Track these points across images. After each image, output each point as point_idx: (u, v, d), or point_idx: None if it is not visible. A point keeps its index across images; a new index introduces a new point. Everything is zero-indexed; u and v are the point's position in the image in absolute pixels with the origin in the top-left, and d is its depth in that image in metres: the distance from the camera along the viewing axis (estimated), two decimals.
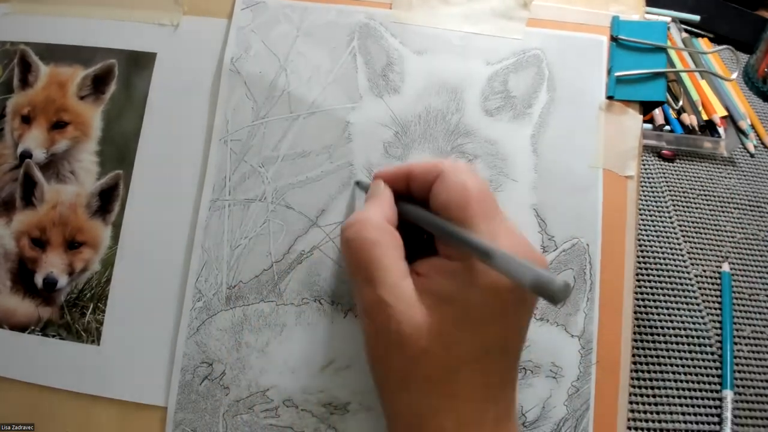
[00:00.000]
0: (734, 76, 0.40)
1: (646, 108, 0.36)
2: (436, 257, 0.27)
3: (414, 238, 0.29)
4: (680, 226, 0.53)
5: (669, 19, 0.69)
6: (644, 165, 0.57)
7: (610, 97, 0.35)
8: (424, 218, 0.28)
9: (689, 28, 0.70)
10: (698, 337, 0.46)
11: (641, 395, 0.43)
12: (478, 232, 0.25)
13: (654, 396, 0.43)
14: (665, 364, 0.45)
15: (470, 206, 0.26)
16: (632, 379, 0.44)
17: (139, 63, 0.36)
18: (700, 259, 0.51)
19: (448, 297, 0.25)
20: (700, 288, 0.49)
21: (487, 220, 0.26)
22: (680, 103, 0.60)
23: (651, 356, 0.45)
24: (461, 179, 0.27)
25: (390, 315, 0.25)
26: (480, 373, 0.25)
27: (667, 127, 0.60)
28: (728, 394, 0.43)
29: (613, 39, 0.36)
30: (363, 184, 0.33)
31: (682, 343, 0.46)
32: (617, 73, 0.35)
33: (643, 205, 0.54)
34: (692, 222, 0.54)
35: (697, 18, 0.70)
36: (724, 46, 0.37)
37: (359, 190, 0.34)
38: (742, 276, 0.51)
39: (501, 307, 0.25)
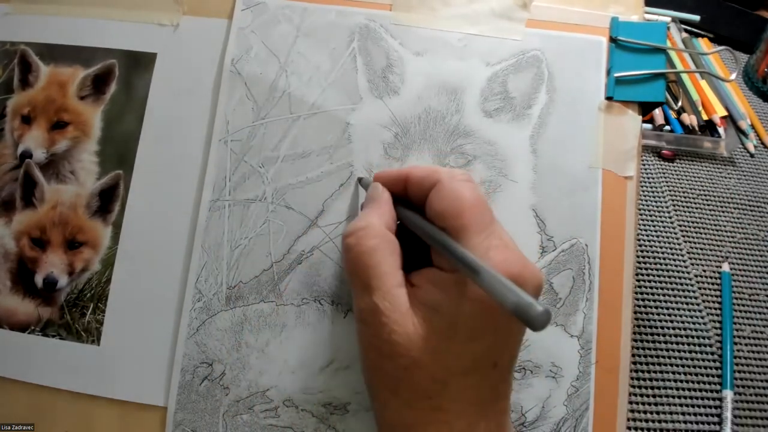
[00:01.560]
0: (733, 77, 0.40)
1: (646, 108, 0.36)
2: (430, 267, 0.27)
3: (412, 244, 0.29)
4: (680, 226, 0.53)
5: (669, 19, 0.68)
6: (644, 165, 0.57)
7: (609, 98, 0.35)
8: (419, 226, 0.28)
9: (689, 28, 0.70)
10: (698, 337, 0.46)
11: (641, 395, 0.43)
12: (470, 245, 0.25)
13: (654, 396, 0.43)
14: (665, 364, 0.45)
15: (464, 217, 0.26)
16: (632, 379, 0.44)
17: (140, 63, 0.37)
18: (700, 259, 0.51)
19: (439, 308, 0.25)
20: (700, 288, 0.49)
21: (481, 232, 0.26)
22: (679, 103, 0.60)
23: (651, 356, 0.45)
24: (457, 188, 0.27)
25: (383, 323, 0.25)
26: (470, 386, 0.25)
27: (667, 127, 0.60)
28: (728, 394, 0.43)
29: (613, 40, 0.36)
30: (365, 181, 0.33)
31: (682, 343, 0.46)
32: (616, 74, 0.35)
33: (643, 205, 0.54)
34: (692, 222, 0.54)
35: (697, 18, 0.70)
36: (723, 47, 0.37)
37: (361, 187, 0.34)
38: (742, 276, 0.51)
39: (491, 320, 0.25)
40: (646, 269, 0.50)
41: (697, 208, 0.55)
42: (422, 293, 0.26)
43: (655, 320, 0.47)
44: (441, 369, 0.25)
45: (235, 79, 0.35)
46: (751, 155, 0.60)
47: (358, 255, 0.27)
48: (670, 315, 0.47)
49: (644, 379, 0.44)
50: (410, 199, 0.30)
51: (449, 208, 0.27)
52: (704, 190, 0.56)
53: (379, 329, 0.25)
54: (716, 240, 0.53)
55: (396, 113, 0.35)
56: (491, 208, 0.28)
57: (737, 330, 0.47)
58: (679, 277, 0.49)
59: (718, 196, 0.56)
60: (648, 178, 0.56)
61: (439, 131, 0.34)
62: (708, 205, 0.55)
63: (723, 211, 0.55)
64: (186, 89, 0.36)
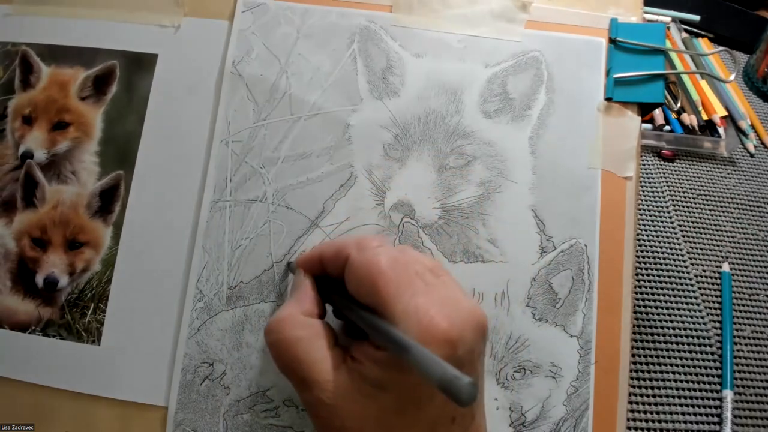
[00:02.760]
0: (732, 77, 0.40)
1: (645, 109, 0.36)
2: (367, 343, 0.26)
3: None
4: (680, 226, 0.53)
5: (669, 19, 0.68)
6: (644, 165, 0.57)
7: (608, 99, 0.35)
8: (346, 308, 0.27)
9: (689, 28, 0.70)
10: (698, 337, 0.46)
11: (641, 395, 0.43)
12: (395, 314, 0.24)
13: (654, 396, 0.43)
14: (665, 364, 0.45)
15: (378, 289, 0.25)
16: (632, 379, 0.44)
17: (141, 64, 0.37)
18: (700, 259, 0.51)
19: (383, 386, 0.24)
20: (700, 288, 0.49)
21: (402, 296, 0.24)
22: (679, 103, 0.60)
23: (651, 356, 0.45)
24: (365, 260, 0.26)
25: (332, 413, 0.24)
26: None
27: (667, 127, 0.60)
28: (728, 394, 0.43)
29: (612, 41, 0.36)
30: (292, 266, 0.32)
31: (682, 343, 0.46)
32: (616, 75, 0.35)
33: (643, 205, 0.54)
34: (692, 222, 0.54)
35: (697, 18, 0.70)
36: (721, 48, 0.37)
37: (290, 271, 0.33)
38: (742, 276, 0.51)
39: None
40: (646, 269, 0.50)
41: (697, 208, 0.55)
42: (365, 370, 0.25)
43: (655, 320, 0.47)
44: None
45: (236, 80, 0.36)
46: (751, 155, 0.60)
47: (283, 351, 0.26)
48: (670, 315, 0.47)
49: (644, 379, 0.44)
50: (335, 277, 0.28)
51: (363, 283, 0.25)
52: (704, 190, 0.56)
53: (329, 420, 0.25)
54: (716, 240, 0.53)
55: (396, 114, 0.35)
56: (412, 263, 0.26)
57: (737, 330, 0.47)
58: (679, 277, 0.49)
59: (718, 196, 0.56)
60: (648, 178, 0.56)
61: (438, 132, 0.35)
62: (708, 205, 0.55)
63: (723, 211, 0.55)
64: (187, 90, 0.36)
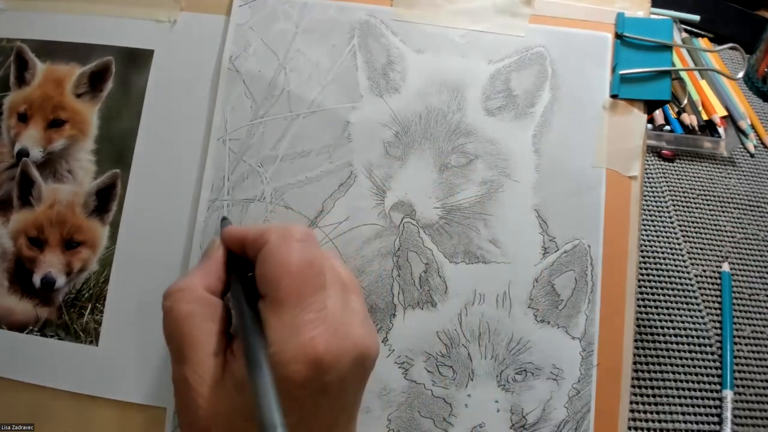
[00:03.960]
0: (740, 75, 0.40)
1: (650, 107, 0.35)
2: None
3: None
4: (680, 226, 0.53)
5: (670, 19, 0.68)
6: (644, 165, 0.57)
7: (614, 96, 0.35)
8: (236, 297, 0.26)
9: (689, 28, 0.70)
10: (698, 337, 0.46)
11: (642, 395, 0.43)
12: (282, 319, 0.24)
13: (654, 396, 0.43)
14: (665, 365, 0.45)
15: (281, 287, 0.24)
16: (632, 379, 0.44)
17: (137, 60, 0.36)
18: (700, 259, 0.51)
19: (242, 385, 0.24)
20: (700, 288, 0.49)
21: (297, 305, 0.24)
22: (685, 101, 0.60)
23: (651, 356, 0.45)
24: (280, 252, 0.25)
25: (190, 395, 0.24)
26: None
27: (667, 127, 0.60)
28: (728, 394, 0.43)
29: (618, 36, 0.36)
30: (224, 223, 0.32)
31: (682, 344, 0.46)
32: (622, 72, 0.35)
33: (643, 205, 0.54)
34: (692, 222, 0.54)
35: (697, 18, 0.70)
36: (730, 45, 0.37)
37: (220, 228, 0.32)
38: (742, 276, 0.51)
39: (294, 399, 0.23)
40: (646, 269, 0.49)
41: (697, 208, 0.55)
42: (236, 367, 0.24)
43: (655, 320, 0.47)
44: None
45: (234, 76, 0.35)
46: (751, 155, 0.60)
47: (171, 321, 0.26)
48: (670, 315, 0.47)
49: (644, 380, 0.44)
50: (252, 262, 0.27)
51: (270, 273, 0.25)
52: (704, 190, 0.56)
53: (187, 401, 0.24)
54: (716, 240, 0.53)
55: (397, 111, 0.34)
56: (327, 271, 0.26)
57: (737, 330, 0.47)
58: (679, 277, 0.49)
59: (718, 196, 0.56)
60: (648, 178, 0.56)
61: (440, 130, 0.34)
62: (708, 205, 0.55)
63: (723, 211, 0.55)
64: (183, 87, 0.36)
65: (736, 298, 0.49)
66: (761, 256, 0.52)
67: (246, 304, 0.25)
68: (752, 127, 0.62)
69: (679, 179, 0.57)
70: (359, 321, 0.26)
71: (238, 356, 0.24)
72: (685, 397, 0.44)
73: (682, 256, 0.51)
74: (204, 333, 0.25)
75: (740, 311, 0.49)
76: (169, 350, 0.26)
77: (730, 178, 0.58)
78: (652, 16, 0.36)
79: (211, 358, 0.25)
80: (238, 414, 0.24)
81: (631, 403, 0.42)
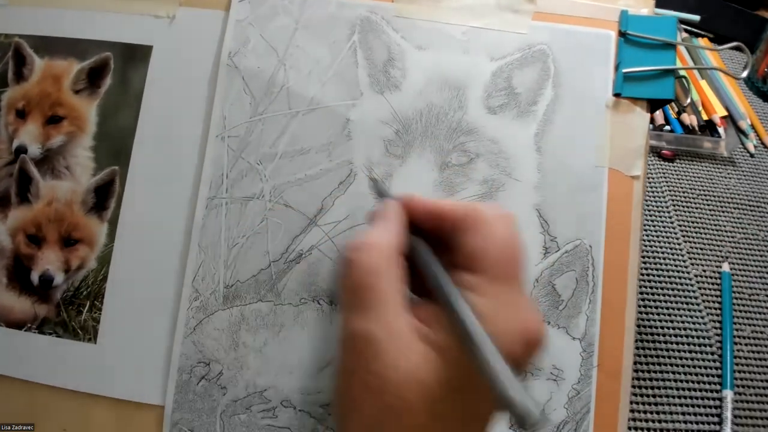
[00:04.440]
0: (744, 74, 0.40)
1: (653, 106, 0.35)
2: (439, 305, 0.24)
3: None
4: (680, 226, 0.53)
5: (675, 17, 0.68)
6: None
7: (617, 95, 0.35)
8: (429, 266, 0.25)
9: (689, 28, 0.70)
10: (698, 337, 0.46)
11: (641, 395, 0.43)
12: (486, 293, 0.23)
13: (654, 396, 0.43)
14: (665, 365, 0.45)
15: (501, 262, 0.24)
16: (632, 379, 0.43)
17: (135, 56, 0.36)
18: (700, 259, 0.51)
19: (446, 352, 0.22)
20: (700, 288, 0.49)
21: (511, 285, 0.24)
22: (688, 101, 0.60)
23: (651, 356, 0.45)
24: (502, 229, 0.25)
25: (377, 353, 0.22)
26: None
27: (667, 127, 0.59)
28: (728, 394, 0.43)
29: (621, 34, 0.35)
30: (379, 185, 0.32)
31: (682, 343, 0.46)
32: (625, 70, 0.34)
33: (643, 205, 0.54)
34: (692, 222, 0.54)
35: (697, 18, 0.70)
36: (734, 43, 0.36)
37: (370, 189, 0.32)
38: (742, 276, 0.51)
39: None
40: (646, 269, 0.49)
41: (697, 208, 0.55)
42: (431, 332, 0.23)
43: (655, 320, 0.47)
44: (432, 418, 0.22)
45: (233, 73, 0.35)
46: (751, 155, 0.60)
47: (359, 273, 0.24)
48: (670, 315, 0.47)
49: (644, 380, 0.44)
50: (426, 231, 0.27)
51: (489, 249, 0.24)
52: (704, 190, 0.56)
53: (371, 360, 0.22)
54: (716, 240, 0.53)
55: (397, 109, 0.34)
56: (523, 258, 0.25)
57: (737, 330, 0.47)
58: (679, 277, 0.49)
59: (718, 196, 0.56)
60: (648, 178, 0.56)
61: (441, 128, 0.34)
62: (708, 205, 0.55)
63: (723, 211, 0.55)
64: (182, 83, 0.35)
65: (736, 298, 0.49)
66: (761, 256, 0.52)
67: (446, 273, 0.24)
68: (752, 127, 0.62)
69: (679, 179, 0.57)
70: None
71: (429, 322, 0.23)
72: (685, 397, 0.43)
73: (682, 256, 0.51)
74: (393, 291, 0.24)
75: (740, 311, 0.49)
76: (345, 302, 0.25)
77: (730, 178, 0.57)
78: (656, 14, 0.36)
79: (401, 318, 0.23)
80: (437, 381, 0.22)
81: (631, 403, 0.42)
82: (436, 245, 0.26)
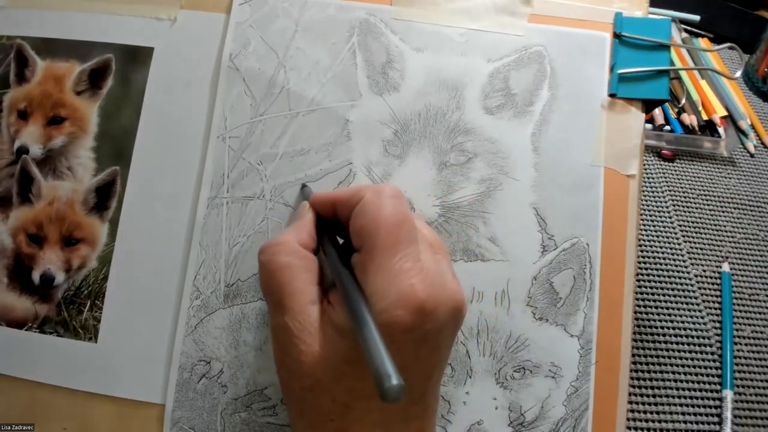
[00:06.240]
0: (738, 74, 0.40)
1: (648, 106, 0.35)
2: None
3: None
4: (680, 226, 0.53)
5: (668, 19, 0.68)
6: (644, 165, 0.57)
7: (612, 95, 0.35)
8: (328, 255, 0.28)
9: (689, 28, 0.70)
10: (698, 337, 0.46)
11: (641, 395, 0.43)
12: (381, 267, 0.24)
13: (654, 396, 0.43)
14: (665, 364, 0.45)
15: (379, 235, 0.25)
16: (632, 379, 0.43)
17: (137, 58, 0.36)
18: (700, 259, 0.51)
19: (344, 331, 0.25)
20: (700, 288, 0.49)
21: (396, 254, 0.25)
22: (683, 101, 0.60)
23: (651, 356, 0.45)
24: (379, 204, 0.26)
25: (293, 342, 0.25)
26: (375, 409, 0.25)
27: (667, 127, 0.59)
28: (728, 394, 0.43)
29: (616, 36, 0.36)
30: (306, 190, 0.33)
31: (682, 343, 0.46)
32: (620, 71, 0.35)
33: (643, 205, 0.54)
34: (692, 222, 0.53)
35: (697, 18, 0.70)
36: (728, 44, 0.37)
37: (302, 195, 0.33)
38: (742, 276, 0.51)
39: (396, 345, 0.23)
40: (646, 269, 0.49)
41: (697, 208, 0.55)
42: (333, 313, 0.25)
43: (655, 320, 0.47)
44: (344, 392, 0.25)
45: (233, 74, 0.35)
46: (751, 155, 0.60)
47: (269, 272, 0.27)
48: (670, 315, 0.47)
49: (644, 379, 0.44)
50: (341, 222, 0.29)
51: (366, 225, 0.26)
52: (704, 190, 0.56)
53: (289, 348, 0.25)
54: (716, 240, 0.53)
55: (396, 110, 0.35)
56: (420, 227, 0.27)
57: (737, 330, 0.47)
58: (679, 277, 0.49)
59: (718, 196, 0.56)
60: (648, 178, 0.56)
61: (439, 128, 0.34)
62: (708, 205, 0.55)
63: (723, 211, 0.55)
64: (183, 85, 0.36)
65: (736, 298, 0.49)
66: (761, 256, 0.52)
67: (340, 259, 0.27)
68: (752, 127, 0.62)
69: (679, 179, 0.57)
70: (451, 276, 0.26)
71: (335, 305, 0.25)
72: (685, 397, 0.43)
73: (682, 256, 0.51)
74: (301, 282, 0.26)
75: (740, 311, 0.48)
76: (267, 302, 0.28)
77: (730, 178, 0.57)
78: (651, 16, 0.36)
79: (310, 306, 0.26)
80: (341, 358, 0.25)
81: (630, 402, 0.42)
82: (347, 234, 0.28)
